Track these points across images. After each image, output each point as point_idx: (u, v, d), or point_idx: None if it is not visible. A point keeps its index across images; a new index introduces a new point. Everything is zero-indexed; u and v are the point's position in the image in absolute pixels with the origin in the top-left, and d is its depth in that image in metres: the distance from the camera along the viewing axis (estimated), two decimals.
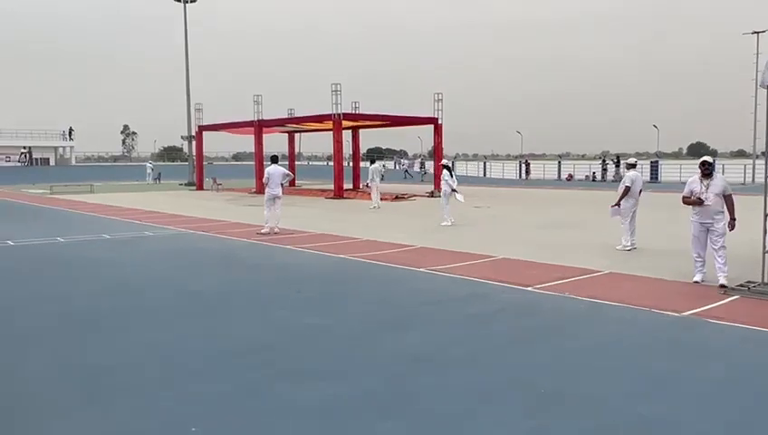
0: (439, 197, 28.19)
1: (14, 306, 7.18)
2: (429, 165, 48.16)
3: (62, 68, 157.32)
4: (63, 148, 63.41)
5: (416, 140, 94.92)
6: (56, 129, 63.76)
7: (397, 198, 26.09)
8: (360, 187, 33.23)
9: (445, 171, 15.96)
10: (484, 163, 54.53)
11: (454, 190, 15.80)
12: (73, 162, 64.07)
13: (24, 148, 57.94)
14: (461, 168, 55.09)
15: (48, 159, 60.51)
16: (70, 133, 62.52)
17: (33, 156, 58.83)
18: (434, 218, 17.68)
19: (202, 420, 3.98)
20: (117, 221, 17.61)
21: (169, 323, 6.43)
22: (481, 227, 15.11)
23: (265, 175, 14.23)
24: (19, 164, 56.51)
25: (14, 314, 6.79)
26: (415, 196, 27.50)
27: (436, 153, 32.42)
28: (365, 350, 5.47)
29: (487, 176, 50.59)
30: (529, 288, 7.93)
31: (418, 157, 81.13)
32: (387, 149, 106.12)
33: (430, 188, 30.03)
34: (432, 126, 31.13)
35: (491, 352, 5.40)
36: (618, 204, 11.22)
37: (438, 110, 30.83)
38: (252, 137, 33.82)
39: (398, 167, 63.75)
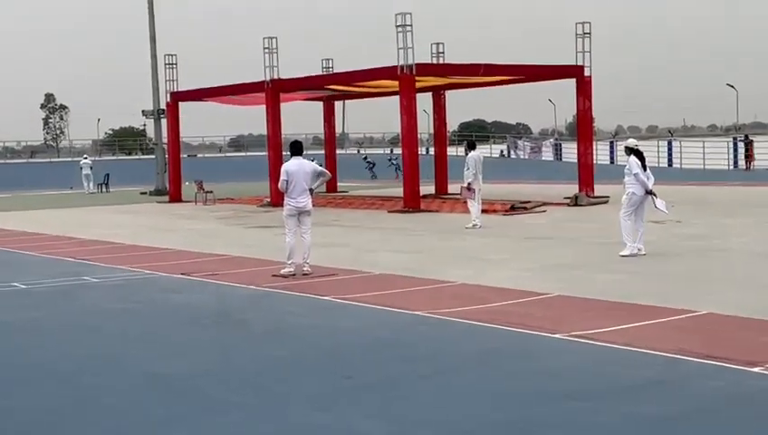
0: (586, 204, 28.19)
1: None
2: (568, 148, 47.35)
3: None
4: None
5: (544, 106, 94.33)
6: None
7: (512, 208, 26.00)
8: (453, 190, 33.36)
9: (632, 159, 15.48)
10: (670, 143, 53.61)
11: (650, 193, 15.34)
12: None
13: None
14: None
15: None
16: None
17: None
18: (585, 244, 17.46)
19: None
20: (38, 259, 18.23)
21: (120, 434, 6.58)
22: (670, 259, 14.82)
23: (282, 175, 14.41)
24: None
25: None
26: (544, 204, 27.32)
27: (581, 126, 32.15)
28: None
29: (674, 165, 49.68)
30: (756, 369, 7.70)
31: (551, 135, 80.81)
32: (494, 124, 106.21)
33: (564, 189, 29.72)
34: (573, 80, 30.89)
35: None
36: None
37: (584, 52, 30.57)
38: (262, 109, 34.49)
39: (514, 153, 63.68)
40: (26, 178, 55.44)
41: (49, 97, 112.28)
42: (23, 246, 20.93)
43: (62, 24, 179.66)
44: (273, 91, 33.34)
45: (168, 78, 39.37)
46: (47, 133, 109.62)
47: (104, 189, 48.42)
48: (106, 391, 7.74)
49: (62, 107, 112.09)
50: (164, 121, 41.96)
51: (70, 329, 10.77)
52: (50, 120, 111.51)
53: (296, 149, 14.72)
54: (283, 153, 29.01)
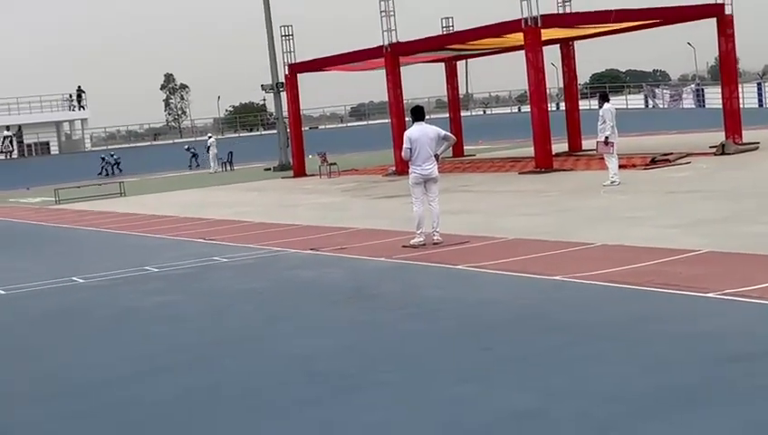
0: (734, 152, 27.30)
1: (8, 400, 7.90)
2: (711, 93, 45.85)
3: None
4: (70, 122, 68.85)
5: (683, 49, 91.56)
6: (56, 93, 69.07)
7: (653, 162, 25.47)
8: (587, 147, 32.87)
9: None
10: None
11: None
12: (88, 145, 69.51)
13: (8, 129, 62.79)
14: None
15: (47, 143, 65.87)
16: (79, 98, 67.64)
17: (24, 140, 64.03)
18: (736, 196, 17.00)
19: None
20: (168, 242, 18.80)
21: (260, 419, 6.74)
22: None
23: (406, 142, 14.40)
24: (1, 157, 61.58)
25: (4, 426, 7.45)
26: (688, 155, 26.67)
27: (724, 69, 31.21)
28: None
29: None
30: None
31: (692, 81, 78.63)
32: (629, 73, 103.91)
33: (709, 138, 28.87)
34: (714, 20, 29.97)
35: None
36: None
37: None
38: (382, 73, 34.60)
39: (652, 102, 62.33)
40: (151, 160, 57.14)
41: (169, 77, 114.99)
42: (153, 229, 21.62)
43: (175, 2, 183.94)
44: (393, 56, 33.34)
45: (285, 50, 39.82)
46: (168, 114, 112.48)
47: (228, 168, 49.46)
48: (247, 373, 7.94)
49: (183, 86, 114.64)
50: (283, 95, 42.52)
51: (204, 312, 11.05)
52: (170, 101, 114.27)
53: (418, 114, 14.56)
54: (406, 119, 29.06)
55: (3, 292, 13.87)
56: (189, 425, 6.67)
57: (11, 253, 20.00)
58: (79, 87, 67.88)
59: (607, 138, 20.80)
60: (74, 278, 14.51)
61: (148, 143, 75.83)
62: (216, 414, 6.87)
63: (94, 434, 6.68)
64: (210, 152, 49.84)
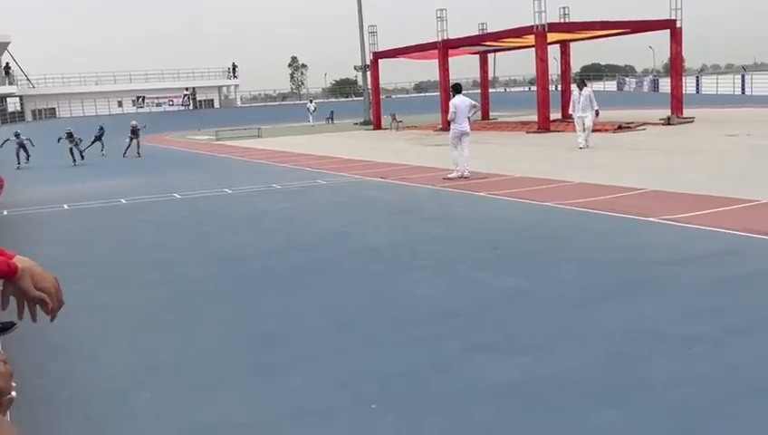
0: (677, 123, 26.75)
1: (182, 266, 8.11)
2: (664, 82, 44.57)
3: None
4: (228, 87, 69.23)
5: (644, 51, 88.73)
6: (219, 66, 69.50)
7: (619, 128, 24.87)
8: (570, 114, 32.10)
9: None
10: (743, 76, 49.44)
11: None
12: (239, 103, 69.94)
13: (187, 89, 63.94)
14: (709, 84, 50.56)
15: (212, 100, 66.59)
16: (233, 70, 67.86)
17: (197, 98, 64.98)
18: (676, 153, 16.60)
19: (382, 398, 4.21)
20: (287, 169, 18.95)
21: (344, 284, 6.83)
22: (745, 161, 13.85)
23: (451, 108, 14.32)
24: (182, 108, 62.74)
25: (182, 277, 7.67)
26: (644, 124, 25.99)
27: (673, 66, 30.23)
28: (576, 320, 5.36)
29: (747, 93, 45.91)
30: None
31: (650, 73, 76.16)
32: (607, 66, 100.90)
33: (660, 113, 28.02)
34: (668, 31, 28.93)
35: (744, 331, 4.98)
36: None
37: (676, 9, 28.51)
38: (435, 62, 34.09)
39: (622, 87, 60.47)
40: (279, 115, 57.24)
41: (294, 58, 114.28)
42: (278, 159, 21.78)
43: (300, 8, 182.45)
44: (444, 49, 32.95)
45: (370, 42, 39.54)
46: (292, 84, 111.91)
47: (330, 122, 49.50)
48: (337, 256, 8.03)
49: (303, 65, 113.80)
50: (369, 73, 42.26)
51: (309, 215, 11.18)
52: (294, 75, 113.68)
53: (458, 89, 14.69)
54: (451, 93, 28.64)
55: (179, 196, 14.16)
56: (302, 283, 6.80)
57: (186, 171, 20.35)
58: (233, 63, 68.12)
59: (597, 111, 20.18)
60: (225, 189, 14.74)
61: (278, 103, 75.77)
62: (320, 278, 7.00)
63: (238, 288, 6.86)
64: (314, 112, 50.07)
